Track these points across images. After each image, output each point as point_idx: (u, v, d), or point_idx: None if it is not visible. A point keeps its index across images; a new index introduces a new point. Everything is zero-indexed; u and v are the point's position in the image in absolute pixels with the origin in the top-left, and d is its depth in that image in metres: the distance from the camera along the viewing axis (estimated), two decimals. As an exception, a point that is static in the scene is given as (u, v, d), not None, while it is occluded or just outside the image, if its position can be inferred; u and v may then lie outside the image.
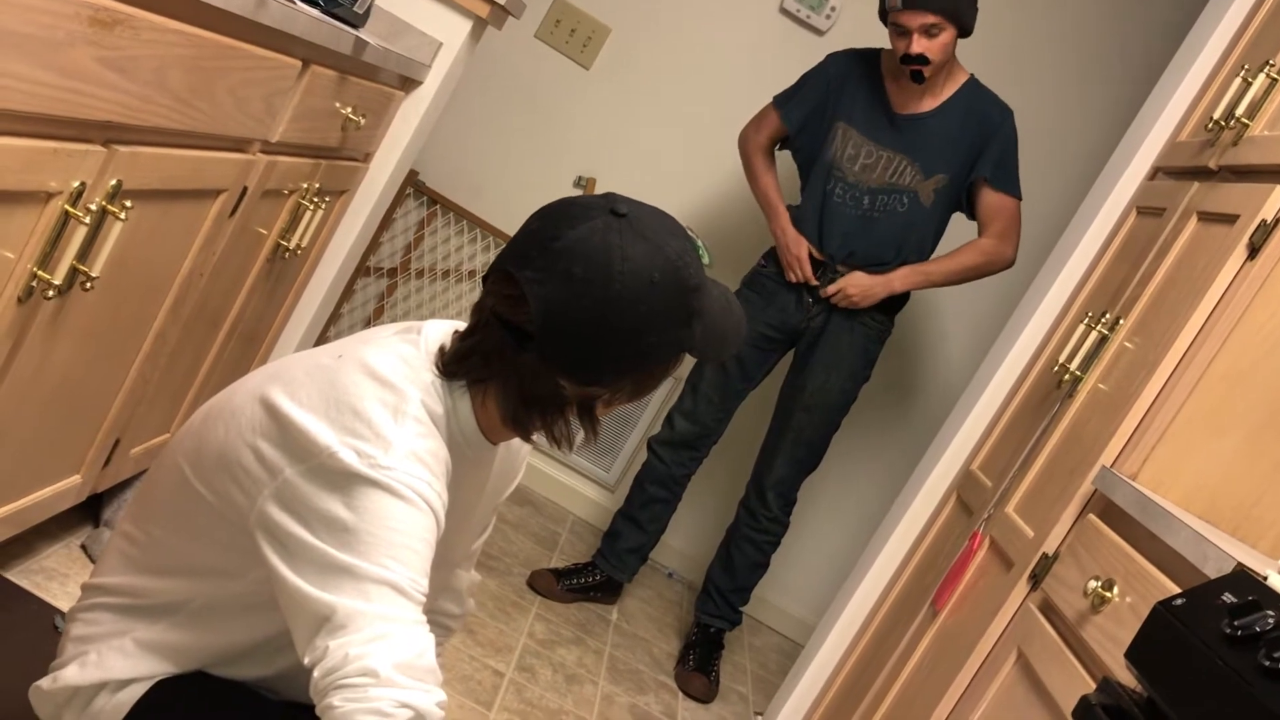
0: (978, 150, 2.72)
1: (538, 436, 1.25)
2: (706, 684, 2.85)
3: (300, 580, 1.07)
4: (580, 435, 1.23)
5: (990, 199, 2.75)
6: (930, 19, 2.56)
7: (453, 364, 1.18)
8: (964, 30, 2.63)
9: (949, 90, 2.73)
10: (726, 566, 2.96)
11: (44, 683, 1.25)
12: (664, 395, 3.49)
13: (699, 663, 2.90)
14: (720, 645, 3.00)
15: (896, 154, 2.72)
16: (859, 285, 2.75)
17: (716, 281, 1.25)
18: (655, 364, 1.19)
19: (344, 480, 1.07)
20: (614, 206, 1.15)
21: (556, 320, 1.12)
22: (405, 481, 1.08)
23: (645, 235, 1.14)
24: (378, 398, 1.12)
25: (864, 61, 2.78)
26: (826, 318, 2.81)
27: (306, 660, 1.06)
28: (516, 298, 1.14)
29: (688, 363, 3.22)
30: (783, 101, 2.84)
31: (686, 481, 3.00)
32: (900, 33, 2.59)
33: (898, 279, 2.76)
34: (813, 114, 2.79)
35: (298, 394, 1.13)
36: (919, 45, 2.58)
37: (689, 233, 1.22)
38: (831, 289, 2.76)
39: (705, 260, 1.27)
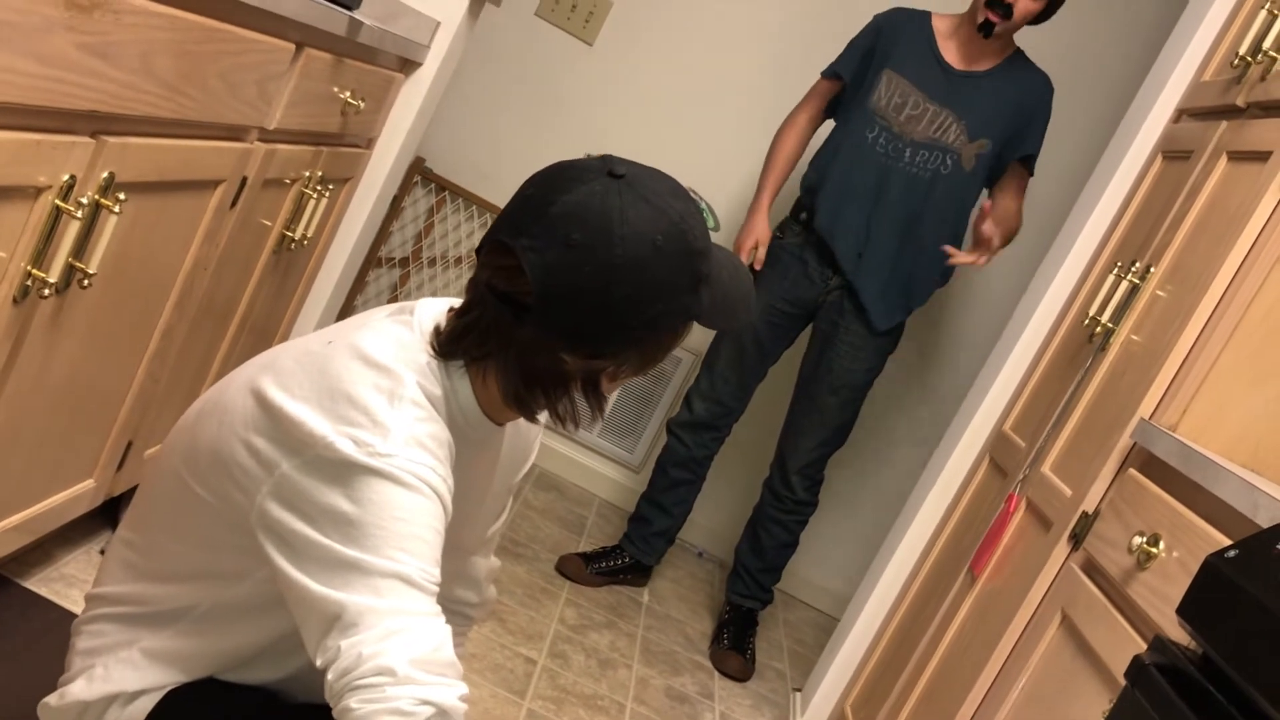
0: (1023, 122, 2.66)
1: (543, 416, 1.20)
2: (742, 662, 2.81)
3: (307, 579, 1.02)
4: (587, 414, 1.18)
5: (1019, 174, 2.72)
6: None
7: (449, 343, 1.13)
8: (1048, 12, 2.59)
9: (1001, 55, 2.68)
10: (755, 548, 2.92)
11: (52, 699, 1.21)
12: (686, 373, 3.45)
13: (734, 641, 2.86)
14: (754, 623, 2.96)
15: (944, 109, 2.64)
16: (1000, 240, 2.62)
17: (721, 247, 1.20)
18: (662, 333, 1.12)
19: (343, 471, 1.03)
20: (612, 168, 1.09)
21: (555, 290, 1.07)
22: (407, 468, 1.03)
23: (646, 197, 1.08)
24: (372, 383, 1.07)
25: (915, 18, 2.72)
26: (843, 292, 2.75)
27: (319, 662, 1.02)
28: (512, 268, 1.08)
29: (703, 343, 3.17)
30: (831, 65, 2.77)
31: (709, 462, 2.96)
32: None
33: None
34: (862, 62, 2.72)
35: (289, 384, 1.08)
36: None
37: (693, 194, 1.15)
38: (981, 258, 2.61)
39: (711, 224, 1.20)
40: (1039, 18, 2.60)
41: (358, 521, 1.02)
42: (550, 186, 1.09)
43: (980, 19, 2.57)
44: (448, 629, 1.03)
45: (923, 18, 2.72)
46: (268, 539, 1.06)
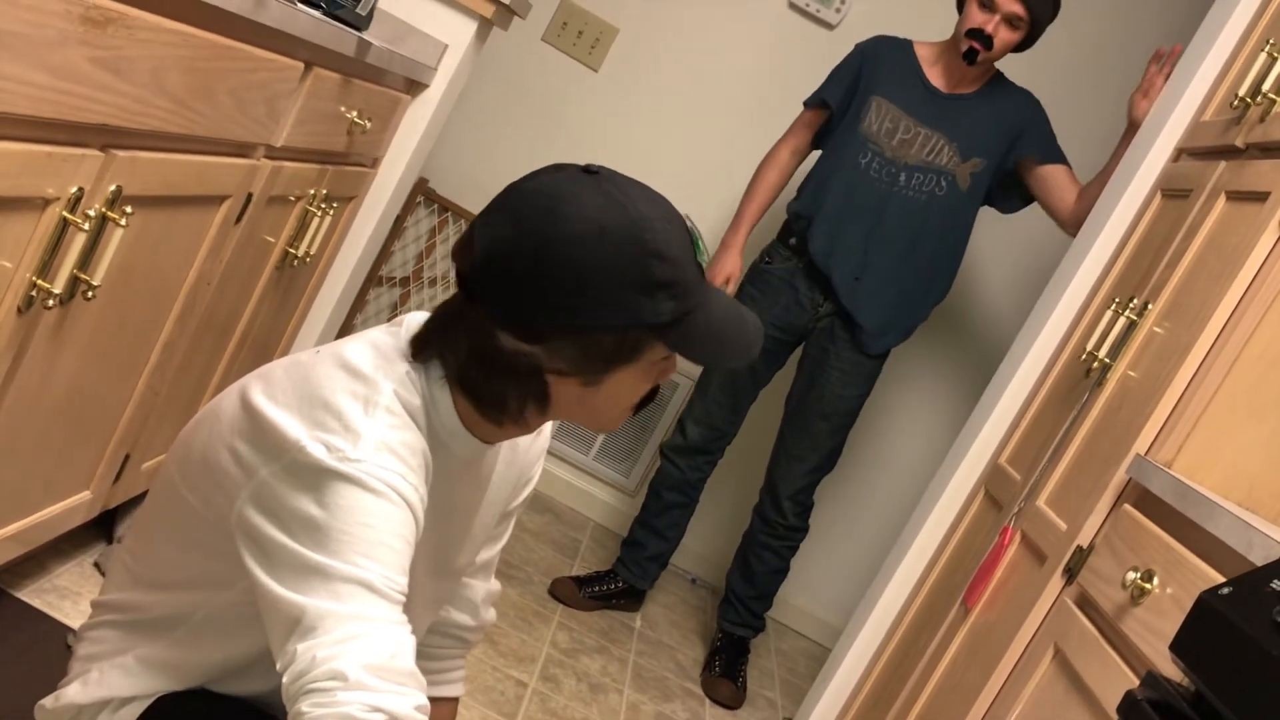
0: (1015, 135, 2.70)
1: (541, 439, 1.19)
2: (734, 690, 2.81)
3: (274, 583, 1.02)
4: (535, 414, 1.14)
5: (1054, 172, 2.70)
6: (1021, 12, 2.57)
7: (421, 335, 1.14)
8: (1028, 43, 2.65)
9: (984, 79, 2.73)
10: (746, 575, 2.92)
11: (47, 701, 1.22)
12: (683, 399, 3.45)
13: (725, 669, 2.85)
14: (746, 650, 2.95)
15: (935, 132, 2.68)
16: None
17: (723, 293, 1.17)
18: (598, 328, 1.07)
19: (315, 476, 1.03)
20: (588, 166, 1.10)
21: (493, 260, 1.06)
22: (375, 474, 1.03)
23: (608, 192, 1.07)
24: (349, 390, 1.08)
25: (896, 45, 2.77)
26: (834, 319, 2.76)
27: (279, 666, 1.01)
28: (466, 244, 1.10)
29: (696, 367, 3.18)
30: (815, 94, 2.80)
31: (702, 485, 2.96)
32: (984, 7, 2.59)
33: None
34: (848, 88, 2.75)
35: (274, 392, 1.09)
36: (995, 28, 2.58)
37: (686, 220, 1.12)
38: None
39: (702, 260, 1.18)
40: (1019, 46, 2.66)
41: (325, 526, 1.01)
42: (525, 177, 1.11)
43: (964, 47, 2.62)
44: (410, 638, 1.02)
45: (905, 45, 2.76)
46: (244, 544, 1.06)
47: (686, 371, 3.43)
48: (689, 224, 1.13)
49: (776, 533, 2.86)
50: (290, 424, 1.05)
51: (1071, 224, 2.66)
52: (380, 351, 1.12)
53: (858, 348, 2.76)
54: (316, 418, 1.05)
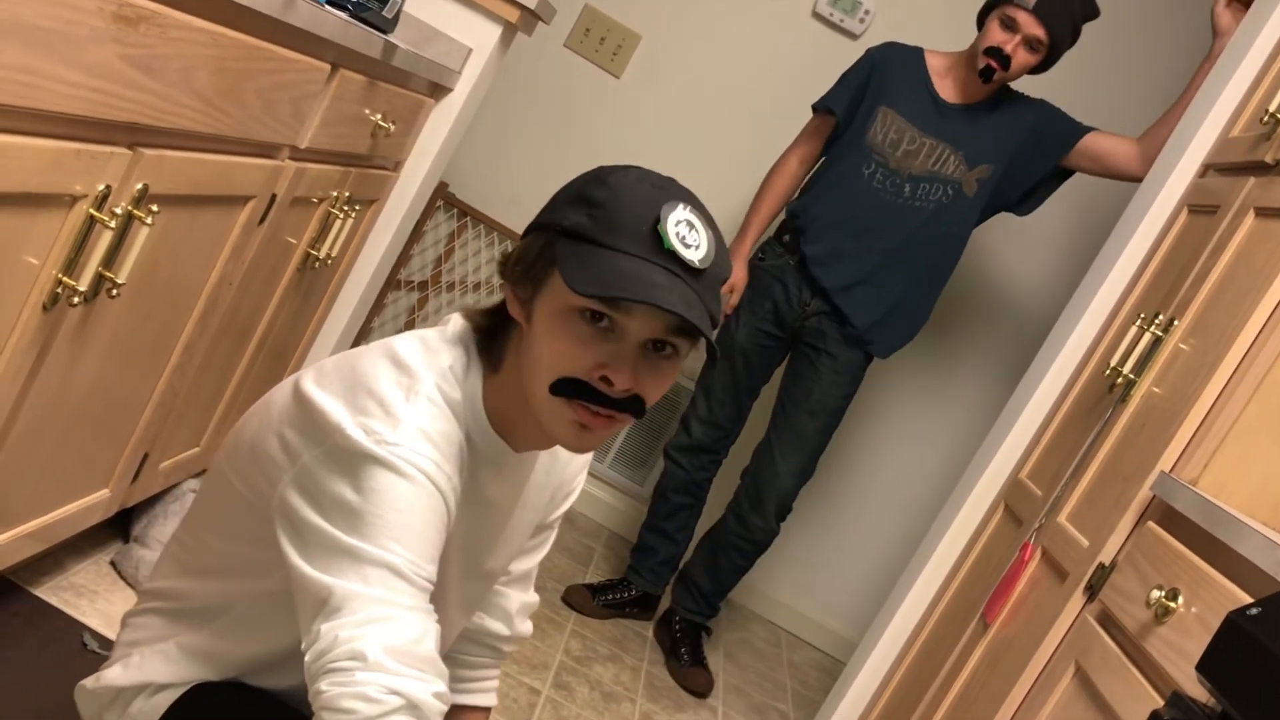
0: (1033, 138, 2.68)
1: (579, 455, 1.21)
2: (709, 678, 2.82)
3: (305, 564, 1.04)
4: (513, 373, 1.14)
5: (1094, 142, 2.66)
6: (1042, 35, 2.56)
7: (480, 308, 1.19)
8: (1043, 67, 2.64)
9: (992, 92, 2.72)
10: (710, 569, 2.90)
11: (88, 682, 1.25)
12: (685, 403, 3.44)
13: (694, 657, 2.85)
14: (707, 632, 2.96)
15: (941, 142, 2.67)
16: None
17: (663, 277, 1.06)
18: (534, 228, 1.14)
19: (354, 460, 1.05)
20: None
21: None
22: (410, 459, 1.05)
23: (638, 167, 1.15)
24: (393, 379, 1.11)
25: (907, 53, 2.76)
26: (823, 317, 2.75)
27: (304, 645, 1.02)
28: None
29: (698, 368, 3.17)
30: (823, 100, 2.79)
31: (708, 485, 2.96)
32: (1006, 27, 2.57)
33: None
34: (855, 96, 2.74)
35: (323, 380, 1.13)
36: (1014, 49, 2.57)
37: (681, 204, 1.09)
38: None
39: (668, 244, 1.08)
40: (1036, 69, 2.64)
41: (360, 510, 1.03)
42: None
43: (981, 65, 2.61)
44: (434, 626, 1.03)
45: (916, 54, 2.75)
46: (281, 526, 1.08)
47: (689, 372, 3.42)
48: (682, 209, 1.08)
49: (754, 537, 2.84)
50: (334, 408, 1.08)
51: (1145, 168, 2.53)
52: (427, 346, 1.15)
53: (849, 346, 2.75)
54: (360, 403, 1.08)
